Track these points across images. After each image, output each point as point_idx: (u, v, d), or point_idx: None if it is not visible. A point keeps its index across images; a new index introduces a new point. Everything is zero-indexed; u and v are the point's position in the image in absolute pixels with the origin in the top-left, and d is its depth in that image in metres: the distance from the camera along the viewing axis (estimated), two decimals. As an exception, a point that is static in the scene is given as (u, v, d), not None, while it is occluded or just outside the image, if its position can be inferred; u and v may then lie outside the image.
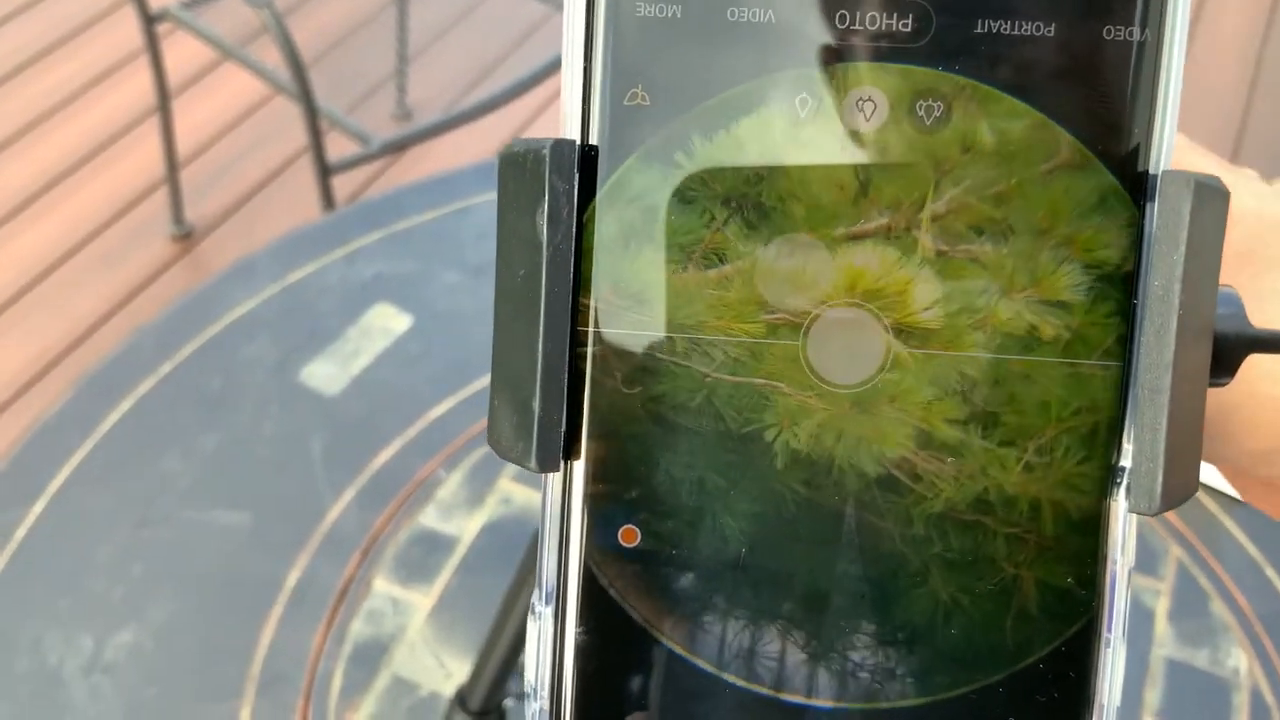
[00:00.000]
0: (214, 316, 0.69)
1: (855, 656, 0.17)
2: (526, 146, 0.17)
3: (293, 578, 0.58)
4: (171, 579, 0.58)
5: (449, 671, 0.55)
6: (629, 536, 0.17)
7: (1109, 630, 0.17)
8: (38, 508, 0.61)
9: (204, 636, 0.56)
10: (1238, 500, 0.61)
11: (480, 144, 1.58)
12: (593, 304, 0.17)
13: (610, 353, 0.17)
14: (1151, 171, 0.16)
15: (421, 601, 0.58)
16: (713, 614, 0.17)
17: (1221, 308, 0.19)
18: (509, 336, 0.17)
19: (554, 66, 1.19)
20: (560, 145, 0.16)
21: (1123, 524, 0.17)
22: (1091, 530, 0.17)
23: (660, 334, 0.17)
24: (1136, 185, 0.16)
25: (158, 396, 0.65)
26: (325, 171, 1.10)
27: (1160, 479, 0.16)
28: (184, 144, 1.54)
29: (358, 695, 0.54)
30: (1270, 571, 0.59)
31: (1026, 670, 0.17)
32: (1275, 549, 0.60)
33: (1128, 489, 0.16)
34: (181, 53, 1.59)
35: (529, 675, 0.17)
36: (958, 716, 0.17)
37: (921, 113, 0.16)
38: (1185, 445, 0.16)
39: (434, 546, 0.60)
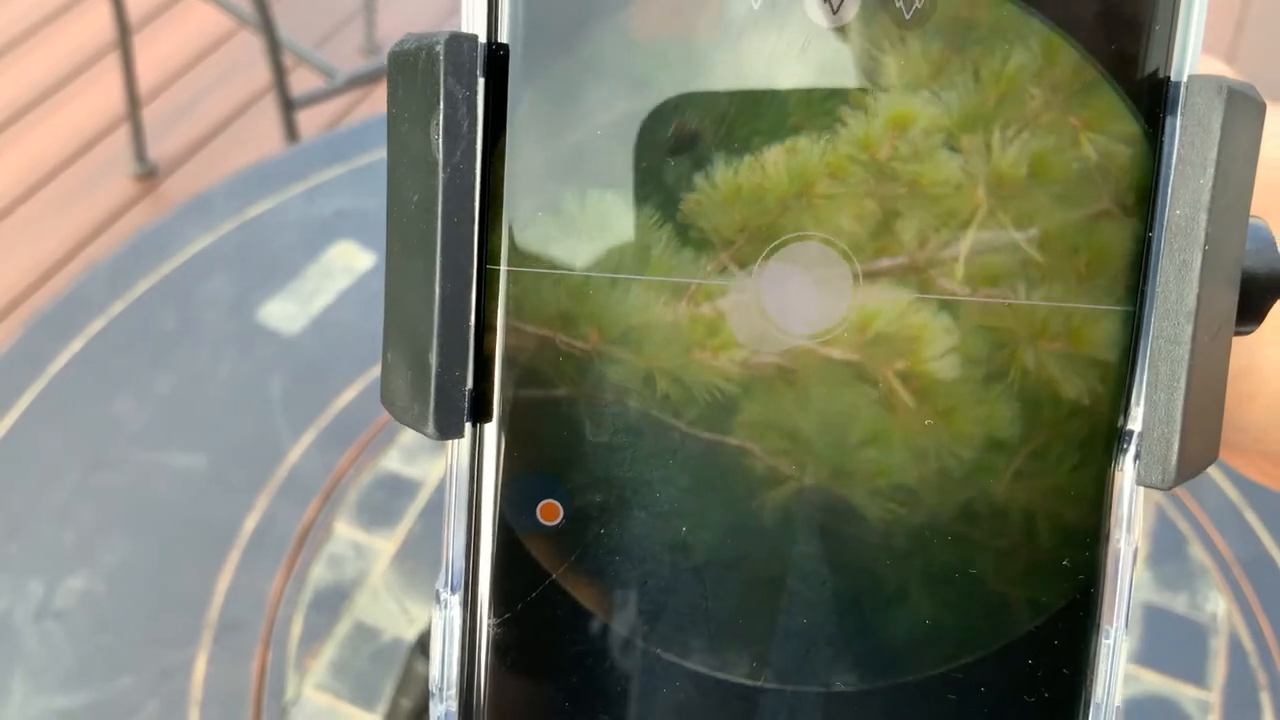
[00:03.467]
0: (169, 254, 0.67)
1: (812, 639, 0.14)
2: (419, 43, 0.14)
3: (251, 522, 0.56)
4: (125, 523, 0.56)
5: (412, 617, 0.53)
6: (550, 513, 0.14)
7: (1111, 621, 0.14)
8: (-16, 450, 0.58)
9: (159, 582, 0.54)
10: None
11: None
12: (505, 235, 0.14)
13: (526, 295, 0.14)
14: (1174, 78, 0.14)
15: (384, 546, 0.56)
16: (648, 604, 0.14)
17: (1250, 243, 0.16)
18: (402, 276, 0.14)
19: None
20: (457, 40, 0.13)
21: (1129, 498, 0.14)
22: (1090, 505, 0.14)
23: (588, 273, 0.14)
24: (1154, 94, 0.14)
25: (110, 336, 0.63)
26: (289, 106, 1.07)
27: (1176, 446, 0.13)
28: (146, 80, 1.49)
29: (318, 642, 0.53)
30: (1250, 515, 0.59)
31: (1009, 663, 0.14)
32: (1255, 491, 0.59)
33: (1136, 457, 0.14)
34: (142, -15, 1.54)
35: (433, 673, 0.15)
36: (922, 711, 0.14)
37: (900, 3, 0.14)
38: (1206, 406, 0.14)
39: (397, 490, 0.58)
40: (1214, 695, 0.52)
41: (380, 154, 0.73)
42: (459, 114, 0.13)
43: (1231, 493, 0.59)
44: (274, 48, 1.05)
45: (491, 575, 0.15)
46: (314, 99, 1.12)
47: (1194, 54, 0.14)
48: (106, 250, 1.39)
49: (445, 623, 0.15)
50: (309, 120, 1.35)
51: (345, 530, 0.56)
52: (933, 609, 0.14)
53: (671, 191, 0.14)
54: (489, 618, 0.15)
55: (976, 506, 0.14)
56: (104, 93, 1.57)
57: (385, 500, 0.58)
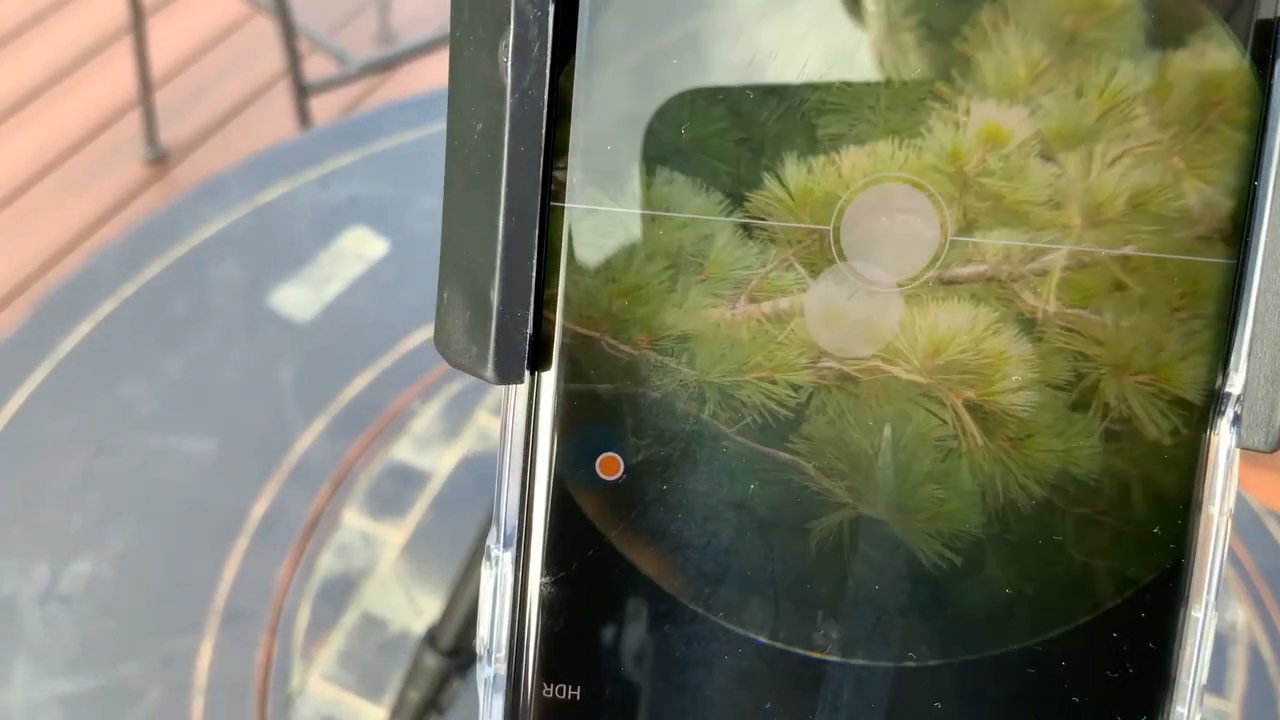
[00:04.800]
0: (181, 236, 0.66)
1: (883, 610, 0.14)
2: None
3: (259, 509, 0.56)
4: (132, 508, 0.55)
5: (420, 609, 0.53)
6: (610, 467, 0.14)
7: (1204, 594, 0.13)
8: (-9, 431, 0.58)
9: (165, 568, 0.53)
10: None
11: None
12: (573, 171, 0.13)
13: (594, 236, 0.13)
14: None
15: (393, 536, 0.55)
16: (710, 566, 0.14)
17: None
18: (463, 210, 0.13)
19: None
20: None
21: (1225, 463, 0.13)
22: (1183, 472, 0.13)
23: (662, 213, 0.13)
24: (1261, 37, 0.13)
25: (120, 319, 0.62)
26: (303, 92, 1.07)
27: None
28: (158, 64, 1.49)
29: (325, 631, 0.52)
30: (1270, 524, 0.58)
31: (1092, 638, 0.13)
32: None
33: (1235, 419, 0.13)
34: (157, -31, 1.53)
35: (482, 632, 0.14)
36: (1000, 687, 0.14)
37: None
38: None
39: (407, 480, 0.57)
40: (1232, 705, 0.51)
41: (396, 141, 0.72)
42: (530, 34, 0.13)
43: (1253, 502, 0.59)
44: (288, 33, 1.05)
45: (546, 532, 0.14)
46: (328, 85, 1.11)
47: None
48: (116, 235, 1.39)
49: (497, 581, 0.14)
50: (322, 107, 1.34)
51: (354, 519, 0.56)
52: (1013, 579, 0.14)
53: (754, 138, 0.13)
54: (542, 577, 0.14)
55: (1063, 471, 0.13)
56: (116, 77, 1.57)
57: (395, 490, 0.57)
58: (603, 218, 0.13)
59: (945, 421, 0.13)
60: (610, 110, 0.13)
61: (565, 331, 0.14)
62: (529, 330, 0.13)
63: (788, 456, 0.14)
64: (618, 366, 0.14)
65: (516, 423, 0.14)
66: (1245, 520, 0.58)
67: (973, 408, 0.13)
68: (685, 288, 0.13)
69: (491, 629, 0.14)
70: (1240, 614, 0.54)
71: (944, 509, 0.14)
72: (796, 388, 0.13)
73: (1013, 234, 0.13)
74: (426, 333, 0.63)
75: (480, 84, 0.13)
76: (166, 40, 1.58)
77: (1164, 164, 0.13)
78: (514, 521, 0.14)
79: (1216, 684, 0.52)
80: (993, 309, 0.13)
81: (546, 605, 0.14)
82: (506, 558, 0.14)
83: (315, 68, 1.13)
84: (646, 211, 0.13)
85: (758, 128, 0.13)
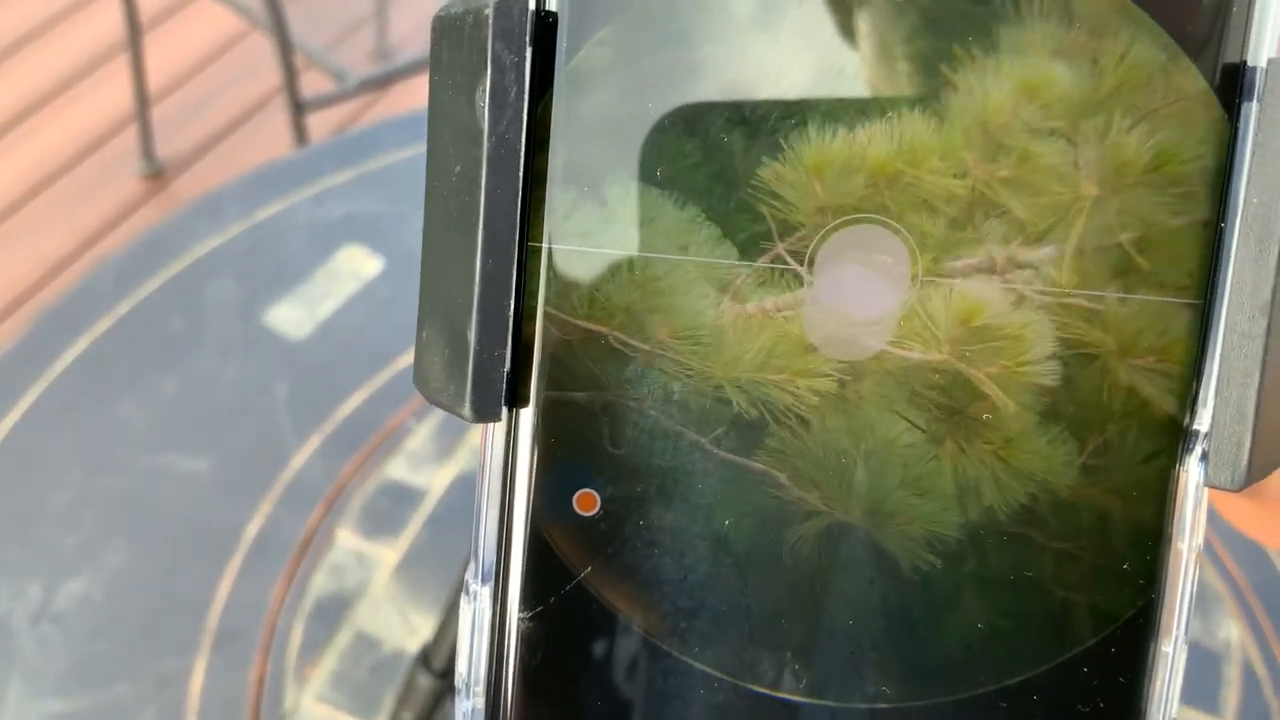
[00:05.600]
0: (176, 254, 0.66)
1: (858, 650, 0.14)
2: (466, 6, 0.13)
3: (253, 528, 0.56)
4: (126, 527, 0.55)
5: (413, 628, 0.53)
6: (587, 503, 0.14)
7: (1173, 629, 0.14)
8: (-15, 450, 0.58)
9: (158, 588, 0.53)
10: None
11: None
12: (547, 212, 0.13)
13: (569, 274, 0.13)
14: (1250, 62, 0.13)
15: (387, 555, 0.55)
16: (685, 601, 0.14)
17: None
18: (441, 250, 0.13)
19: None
20: (506, 5, 0.13)
21: (1194, 499, 0.13)
22: (1152, 509, 0.13)
23: (634, 252, 0.13)
24: (1230, 79, 0.13)
25: (115, 336, 0.63)
26: (299, 109, 1.07)
27: (1248, 446, 0.13)
28: (155, 80, 1.49)
29: (318, 652, 0.52)
30: (1264, 541, 0.58)
31: (1063, 672, 0.14)
32: (1270, 518, 0.59)
33: (1203, 457, 0.13)
34: (154, -15, 1.54)
35: (460, 667, 0.14)
36: None
37: None
38: (1278, 405, 0.13)
39: (401, 499, 0.57)
40: (1227, 724, 0.51)
41: (391, 158, 0.73)
42: (507, 80, 0.13)
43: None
44: (285, 49, 1.05)
45: (524, 567, 0.14)
46: (325, 102, 1.11)
47: (1272, 37, 0.13)
48: (112, 249, 1.39)
49: (475, 615, 0.14)
50: (319, 123, 1.34)
51: (348, 538, 0.56)
52: (985, 615, 0.14)
53: (728, 170, 0.13)
54: (520, 611, 0.14)
55: (1034, 508, 0.14)
56: (113, 92, 1.57)
57: (389, 508, 0.57)
58: (580, 256, 0.14)
59: (946, 415, 0.14)
60: (587, 146, 0.13)
61: (542, 369, 0.14)
62: (506, 369, 0.13)
63: (761, 468, 0.14)
64: (594, 403, 0.14)
65: (494, 459, 0.14)
66: (1238, 536, 0.58)
67: (998, 382, 0.13)
68: (664, 321, 0.14)
69: (470, 663, 0.14)
70: (1234, 631, 0.54)
71: (921, 512, 0.14)
72: (800, 391, 0.13)
73: (991, 260, 0.13)
74: (421, 350, 0.63)
75: (458, 127, 0.13)
76: (163, 55, 1.58)
77: (1132, 205, 0.13)
78: (492, 556, 0.14)
79: (1210, 701, 0.52)
80: (1000, 291, 0.13)
81: (524, 640, 0.14)
82: (485, 592, 0.14)
83: (312, 84, 1.13)
84: (622, 252, 0.13)
85: (733, 164, 0.13)
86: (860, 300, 0.13)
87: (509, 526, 0.14)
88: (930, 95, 0.13)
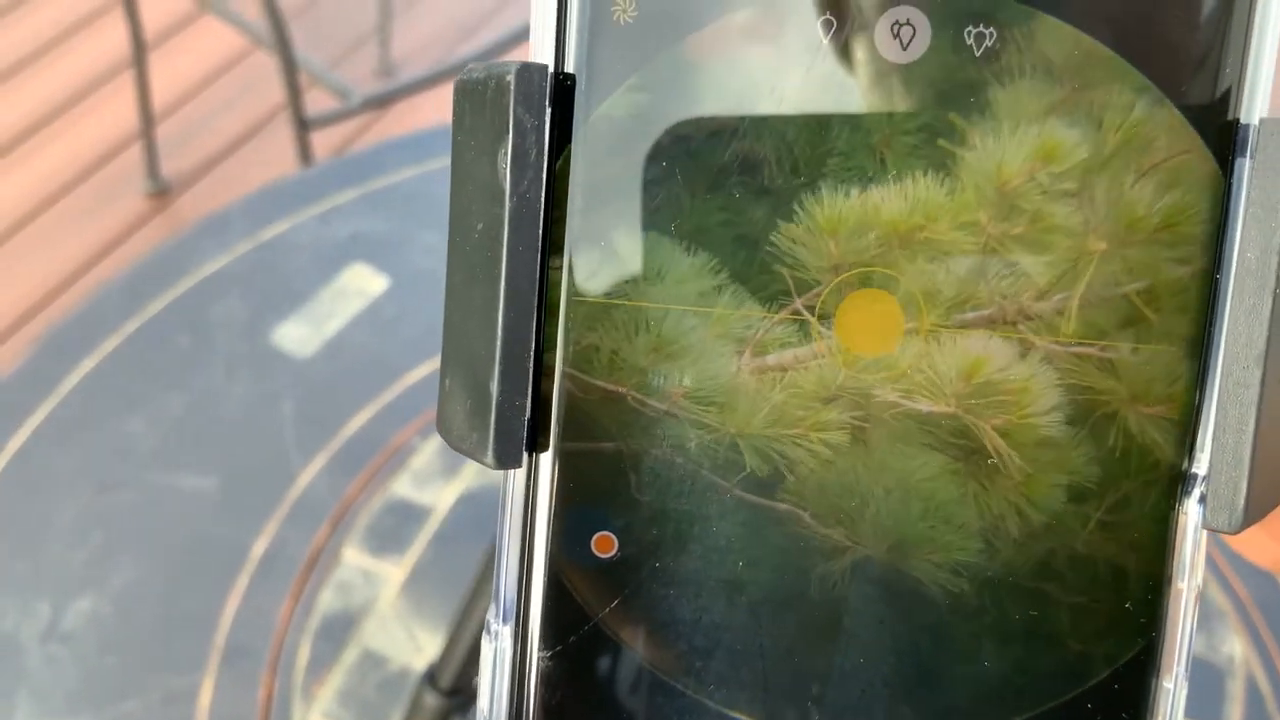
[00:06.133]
0: (183, 273, 0.67)
1: (869, 689, 0.14)
2: (488, 72, 0.14)
3: (260, 546, 0.56)
4: (133, 545, 0.56)
5: (420, 646, 0.53)
6: (604, 545, 0.14)
7: (1174, 666, 0.14)
8: (-6, 469, 0.58)
9: (166, 605, 0.54)
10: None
11: (464, 105, 1.55)
12: (566, 268, 0.14)
13: (586, 327, 0.14)
14: (1243, 120, 0.14)
15: (393, 573, 0.56)
16: (702, 640, 0.14)
17: None
18: (464, 304, 0.14)
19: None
20: (528, 70, 0.13)
21: (1192, 541, 0.14)
22: (1154, 550, 0.14)
23: (650, 304, 0.14)
24: (1224, 135, 0.14)
25: (122, 355, 0.63)
26: (303, 126, 1.07)
27: (1245, 490, 0.13)
28: (160, 98, 1.50)
29: (325, 669, 0.52)
30: (1266, 556, 0.58)
31: (1068, 709, 0.14)
32: (1272, 533, 0.59)
33: (1202, 499, 0.14)
34: (158, 5, 1.54)
35: (482, 704, 0.15)
36: None
37: (970, 40, 0.13)
38: (1273, 449, 0.13)
39: (407, 516, 0.58)
40: (1231, 740, 0.51)
41: (395, 177, 0.73)
42: (528, 143, 0.13)
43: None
44: (289, 68, 1.06)
45: (543, 607, 0.14)
46: (328, 120, 1.12)
47: (1264, 96, 0.14)
48: (117, 267, 1.40)
49: (496, 654, 0.15)
50: (322, 141, 1.35)
51: (354, 556, 0.56)
52: (995, 654, 0.14)
53: (741, 226, 0.14)
54: (540, 650, 0.14)
55: (1043, 556, 0.14)
56: (118, 110, 1.58)
57: (395, 526, 0.57)
58: (598, 308, 0.14)
59: (958, 459, 0.14)
60: (604, 203, 0.14)
61: (561, 416, 0.14)
62: (527, 416, 0.14)
63: (783, 506, 0.14)
64: (611, 449, 0.14)
65: (515, 502, 0.14)
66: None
67: (1004, 434, 0.14)
68: (681, 371, 0.14)
69: (492, 700, 0.14)
70: (1237, 647, 0.54)
71: (943, 541, 0.14)
72: (814, 446, 0.14)
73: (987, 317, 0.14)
74: (427, 369, 0.64)
75: (480, 186, 0.14)
76: (168, 74, 1.59)
77: (1131, 254, 0.14)
78: (512, 596, 0.14)
79: (1214, 717, 0.52)
80: (1007, 344, 0.14)
81: (544, 678, 0.14)
82: (505, 631, 0.14)
83: (315, 101, 1.14)
84: (639, 304, 0.14)
85: (750, 221, 0.14)
86: (870, 353, 0.14)
87: (529, 568, 0.14)
88: (941, 157, 0.14)
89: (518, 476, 0.14)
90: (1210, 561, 0.57)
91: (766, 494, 0.14)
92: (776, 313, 0.14)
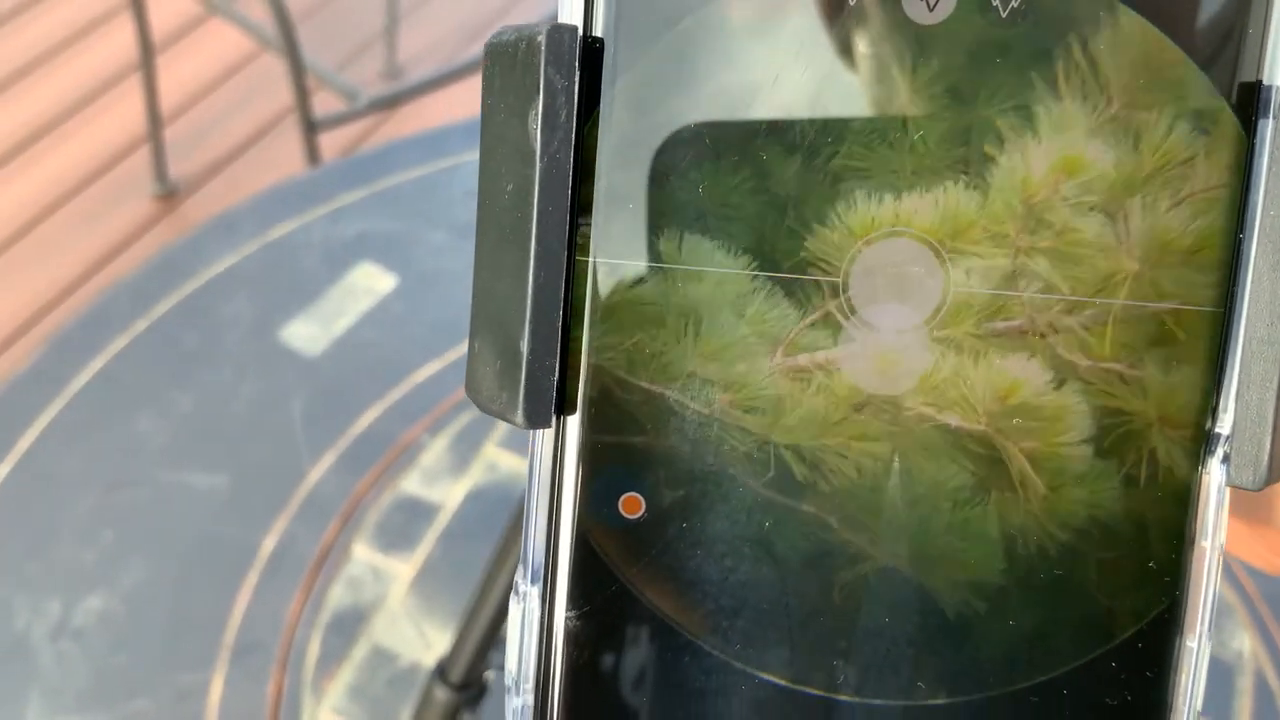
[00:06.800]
0: (192, 272, 0.67)
1: (895, 647, 0.14)
2: (518, 34, 0.14)
3: (270, 543, 0.56)
4: (143, 543, 0.56)
5: (429, 642, 0.53)
6: (631, 506, 0.14)
7: (1197, 624, 0.14)
8: (5, 469, 0.58)
9: (176, 603, 0.54)
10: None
11: (472, 104, 1.55)
12: (595, 229, 0.14)
13: (617, 288, 0.14)
14: (1266, 81, 0.14)
15: (402, 570, 0.56)
16: (729, 599, 0.14)
17: None
18: (493, 265, 0.14)
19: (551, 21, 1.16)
20: (558, 31, 0.13)
21: (1215, 499, 0.14)
22: (1178, 509, 0.14)
23: (679, 267, 0.14)
24: (1247, 97, 0.14)
25: (132, 354, 0.63)
26: (311, 128, 1.08)
27: (1269, 447, 0.13)
28: (168, 101, 1.50)
29: (335, 665, 0.52)
30: (1275, 551, 0.58)
31: (1092, 668, 0.14)
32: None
33: (1225, 458, 0.14)
34: (166, 7, 1.55)
35: (510, 665, 0.15)
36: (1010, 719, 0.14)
37: (997, 3, 0.14)
38: None
39: (416, 513, 0.58)
40: (1240, 734, 0.51)
41: (403, 176, 0.73)
42: (558, 103, 0.13)
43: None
44: (297, 70, 1.06)
45: (570, 568, 0.14)
46: (336, 121, 1.12)
47: None
48: (125, 270, 1.40)
49: (524, 615, 0.15)
50: (330, 142, 1.35)
51: (364, 553, 0.56)
52: (1021, 614, 0.14)
53: (766, 193, 0.14)
54: (567, 611, 0.14)
55: (1087, 517, 0.14)
56: (126, 113, 1.58)
57: (404, 523, 0.57)
58: (624, 270, 0.14)
59: (977, 471, 0.14)
60: (631, 166, 0.14)
61: (589, 378, 0.14)
62: (555, 377, 0.14)
63: (811, 510, 0.14)
64: (639, 410, 0.14)
65: (543, 464, 0.14)
66: (1250, 548, 0.58)
67: (1032, 457, 0.14)
68: (707, 338, 0.14)
69: (519, 661, 0.15)
70: (1246, 642, 0.54)
71: (966, 558, 0.14)
72: (854, 456, 0.14)
73: (1023, 285, 0.14)
74: (435, 366, 0.64)
75: (510, 148, 0.14)
76: (176, 76, 1.60)
77: (1156, 215, 0.14)
78: (540, 558, 0.15)
79: (1223, 713, 0.52)
80: (1040, 360, 0.14)
81: (571, 639, 0.14)
82: (534, 592, 0.15)
83: (323, 103, 1.14)
84: (664, 265, 0.14)
85: (777, 184, 0.14)
86: (899, 336, 0.14)
87: (556, 529, 0.14)
88: (975, 167, 0.14)
89: (546, 438, 0.14)
90: (1219, 556, 0.57)
91: (794, 454, 0.14)
92: (804, 272, 0.14)
